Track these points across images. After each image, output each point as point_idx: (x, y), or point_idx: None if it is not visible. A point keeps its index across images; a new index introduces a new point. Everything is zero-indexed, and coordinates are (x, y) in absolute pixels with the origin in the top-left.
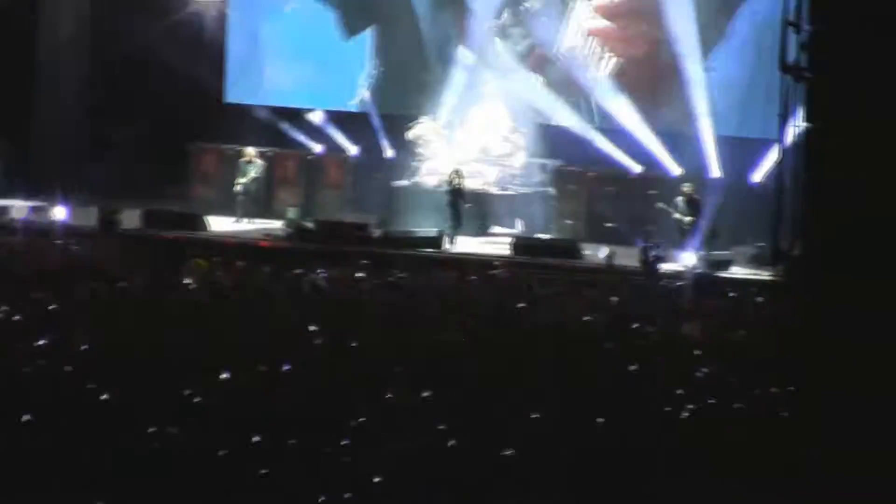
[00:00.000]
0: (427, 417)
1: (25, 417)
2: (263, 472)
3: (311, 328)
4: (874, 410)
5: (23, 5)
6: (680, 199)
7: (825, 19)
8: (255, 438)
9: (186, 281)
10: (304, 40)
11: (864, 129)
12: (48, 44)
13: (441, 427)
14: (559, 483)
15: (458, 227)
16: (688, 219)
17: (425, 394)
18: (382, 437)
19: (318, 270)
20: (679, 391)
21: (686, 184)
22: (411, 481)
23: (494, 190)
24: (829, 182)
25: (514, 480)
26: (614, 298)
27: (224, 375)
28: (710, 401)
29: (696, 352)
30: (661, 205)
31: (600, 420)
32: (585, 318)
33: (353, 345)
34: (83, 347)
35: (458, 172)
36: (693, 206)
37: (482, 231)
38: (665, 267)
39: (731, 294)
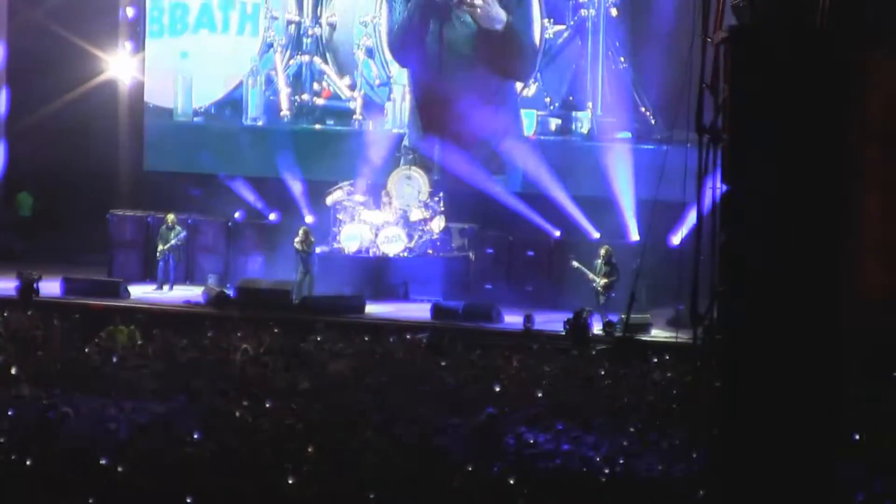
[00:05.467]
0: None
1: None
2: None
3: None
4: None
5: None
6: (597, 262)
7: (741, 81)
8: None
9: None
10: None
11: (780, 191)
12: None
13: None
14: None
15: (303, 286)
16: (603, 281)
17: None
18: None
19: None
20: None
21: (603, 247)
22: None
23: (412, 255)
24: (746, 244)
25: None
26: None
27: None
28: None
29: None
30: (576, 263)
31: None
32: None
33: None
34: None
35: (306, 232)
36: (610, 268)
37: (401, 296)
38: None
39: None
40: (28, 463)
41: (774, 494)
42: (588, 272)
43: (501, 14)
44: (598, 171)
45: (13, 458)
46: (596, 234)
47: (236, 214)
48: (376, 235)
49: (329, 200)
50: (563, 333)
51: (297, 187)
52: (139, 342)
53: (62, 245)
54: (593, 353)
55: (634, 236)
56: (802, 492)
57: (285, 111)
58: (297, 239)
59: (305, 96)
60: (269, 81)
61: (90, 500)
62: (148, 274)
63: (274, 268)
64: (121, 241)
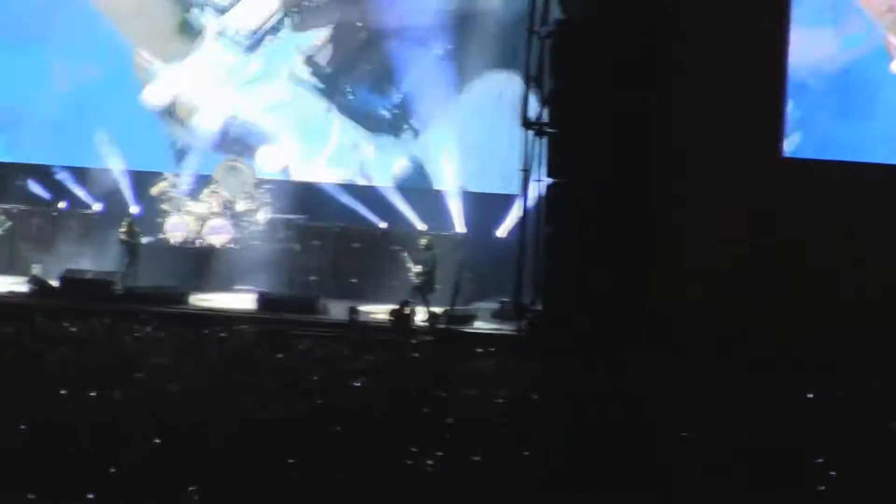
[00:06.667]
0: None
1: None
2: None
3: None
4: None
5: None
6: (418, 253)
7: (566, 75)
8: None
9: None
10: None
11: (605, 185)
12: None
13: None
14: None
15: (129, 276)
16: (417, 269)
17: None
18: None
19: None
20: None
21: (423, 237)
22: None
23: (237, 246)
24: (569, 237)
25: None
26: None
27: None
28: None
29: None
30: (405, 254)
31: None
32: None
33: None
34: None
35: (131, 223)
36: (426, 257)
37: (226, 287)
38: (415, 323)
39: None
40: None
41: None
42: (408, 261)
43: None
44: (426, 163)
45: None
46: (422, 226)
47: (61, 204)
48: (202, 226)
49: (154, 191)
50: (388, 325)
51: (121, 177)
52: None
53: None
54: (414, 343)
55: (460, 228)
56: None
57: None
58: (121, 230)
59: None
60: None
61: None
62: None
63: (100, 258)
64: None
